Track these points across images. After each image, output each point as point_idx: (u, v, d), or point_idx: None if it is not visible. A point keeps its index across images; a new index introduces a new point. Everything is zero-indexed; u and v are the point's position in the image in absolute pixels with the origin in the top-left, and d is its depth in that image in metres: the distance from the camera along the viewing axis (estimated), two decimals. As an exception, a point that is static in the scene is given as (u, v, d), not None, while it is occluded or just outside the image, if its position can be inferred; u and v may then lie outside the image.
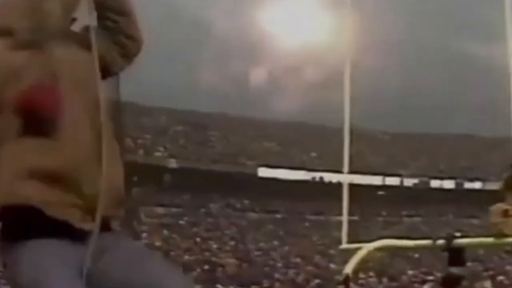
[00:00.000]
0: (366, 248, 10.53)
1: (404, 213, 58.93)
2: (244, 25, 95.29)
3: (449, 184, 62.24)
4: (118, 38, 3.20)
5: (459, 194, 60.20)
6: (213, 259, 45.96)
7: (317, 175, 58.53)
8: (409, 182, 61.36)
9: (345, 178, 13.21)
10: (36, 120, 2.93)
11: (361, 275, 42.24)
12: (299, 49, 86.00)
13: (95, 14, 3.17)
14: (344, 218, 12.63)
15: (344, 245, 12.31)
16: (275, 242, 51.04)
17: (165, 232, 48.21)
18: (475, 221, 54.02)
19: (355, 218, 38.47)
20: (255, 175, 56.96)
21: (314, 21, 73.99)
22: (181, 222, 50.92)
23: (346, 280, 10.12)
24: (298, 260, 48.43)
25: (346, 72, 13.06)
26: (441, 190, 61.09)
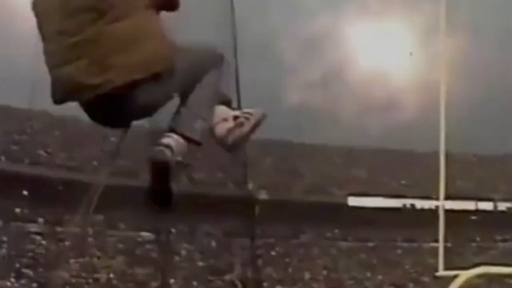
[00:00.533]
0: (464, 275, 10.32)
1: (498, 238, 57.72)
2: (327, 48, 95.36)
3: (543, 206, 60.62)
4: None
5: (554, 216, 58.65)
6: (306, 289, 45.91)
7: (408, 202, 57.88)
8: (502, 206, 60.08)
9: (442, 205, 13.03)
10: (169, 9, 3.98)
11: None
12: (392, 74, 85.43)
13: None
14: (441, 244, 12.45)
15: (441, 272, 12.13)
16: (368, 271, 50.64)
17: (258, 263, 48.33)
18: None
19: (448, 244, 37.96)
20: (345, 203, 56.71)
21: (409, 46, 73.59)
22: (272, 253, 50.99)
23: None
24: (392, 288, 48.03)
25: (441, 97, 12.88)
26: (536, 213, 59.59)
